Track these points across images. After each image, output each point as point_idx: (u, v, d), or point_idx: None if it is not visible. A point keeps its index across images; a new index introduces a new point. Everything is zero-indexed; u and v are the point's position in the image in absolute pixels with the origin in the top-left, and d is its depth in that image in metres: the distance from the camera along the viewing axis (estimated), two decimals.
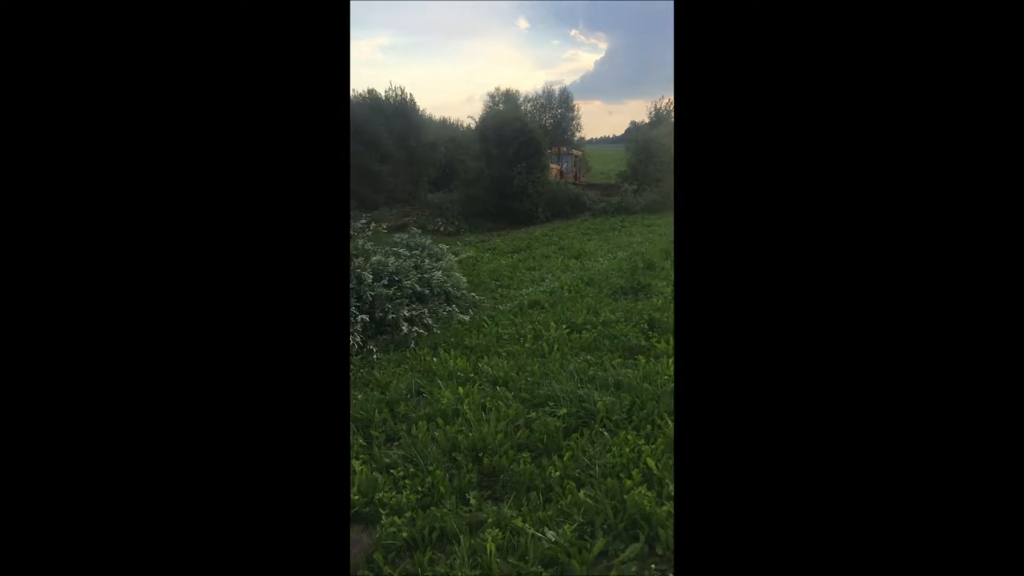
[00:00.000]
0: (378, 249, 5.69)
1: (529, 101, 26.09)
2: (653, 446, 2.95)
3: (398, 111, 15.23)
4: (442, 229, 13.33)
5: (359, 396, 3.73)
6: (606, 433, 3.13)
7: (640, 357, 4.30)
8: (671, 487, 2.57)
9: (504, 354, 4.51)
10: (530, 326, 5.22)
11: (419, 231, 6.89)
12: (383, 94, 15.53)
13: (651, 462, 2.77)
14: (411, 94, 15.87)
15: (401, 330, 4.87)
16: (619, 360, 4.29)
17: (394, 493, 2.59)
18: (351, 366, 4.27)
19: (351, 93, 15.61)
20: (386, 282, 5.25)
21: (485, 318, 5.60)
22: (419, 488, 2.64)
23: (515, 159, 14.30)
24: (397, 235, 6.69)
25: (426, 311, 5.34)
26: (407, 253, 5.94)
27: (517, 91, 24.86)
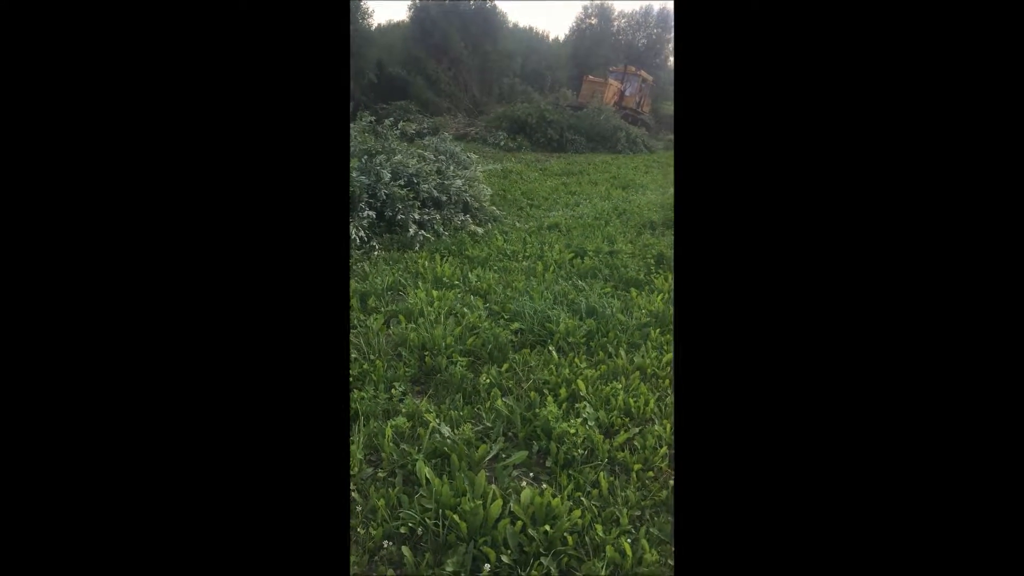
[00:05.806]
0: (403, 149, 5.71)
1: (624, 17, 24.53)
2: (595, 371, 2.94)
3: (477, 13, 14.70)
4: (502, 144, 13.13)
5: None
6: (555, 353, 3.14)
7: (633, 290, 4.21)
8: (588, 408, 2.58)
9: (498, 268, 4.53)
10: (538, 246, 5.18)
11: (449, 136, 6.81)
12: None
13: (582, 384, 2.77)
14: None
15: (408, 232, 4.96)
16: (609, 289, 4.22)
17: None
18: (350, 259, 4.43)
19: None
20: (402, 183, 5.30)
21: (497, 233, 5.59)
22: (350, 372, 2.78)
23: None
24: (428, 138, 6.65)
25: (439, 217, 5.38)
26: (432, 157, 5.92)
27: (611, 5, 23.37)
